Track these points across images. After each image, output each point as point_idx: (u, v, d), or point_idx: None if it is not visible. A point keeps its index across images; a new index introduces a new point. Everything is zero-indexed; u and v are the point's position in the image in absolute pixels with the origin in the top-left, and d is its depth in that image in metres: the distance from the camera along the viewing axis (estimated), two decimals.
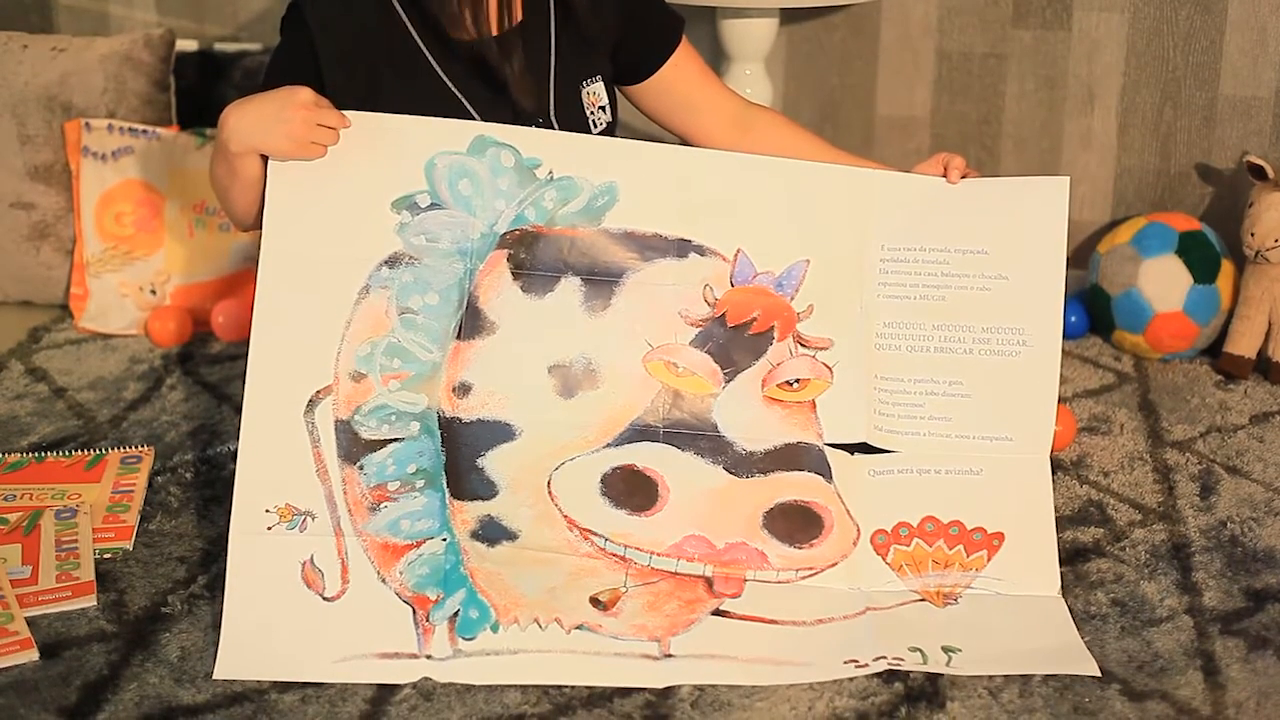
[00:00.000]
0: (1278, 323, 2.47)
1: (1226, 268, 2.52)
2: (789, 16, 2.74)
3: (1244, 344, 2.47)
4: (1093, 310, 2.61)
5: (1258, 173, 2.47)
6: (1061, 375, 2.15)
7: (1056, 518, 1.98)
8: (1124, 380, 2.47)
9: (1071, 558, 1.92)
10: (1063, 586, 1.84)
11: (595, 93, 1.94)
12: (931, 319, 1.85)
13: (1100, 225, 2.71)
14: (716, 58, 2.61)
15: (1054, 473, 2.10)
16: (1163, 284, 2.49)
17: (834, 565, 1.81)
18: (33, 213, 2.70)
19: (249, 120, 1.72)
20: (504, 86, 1.86)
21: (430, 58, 1.85)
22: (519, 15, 1.89)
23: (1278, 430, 2.28)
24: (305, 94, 1.71)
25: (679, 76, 2.00)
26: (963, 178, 1.87)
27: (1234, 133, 2.62)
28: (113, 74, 2.68)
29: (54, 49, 2.71)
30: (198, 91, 2.82)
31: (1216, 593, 1.84)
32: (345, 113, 1.75)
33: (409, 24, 1.85)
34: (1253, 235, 2.47)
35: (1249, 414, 2.34)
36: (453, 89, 1.85)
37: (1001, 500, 1.85)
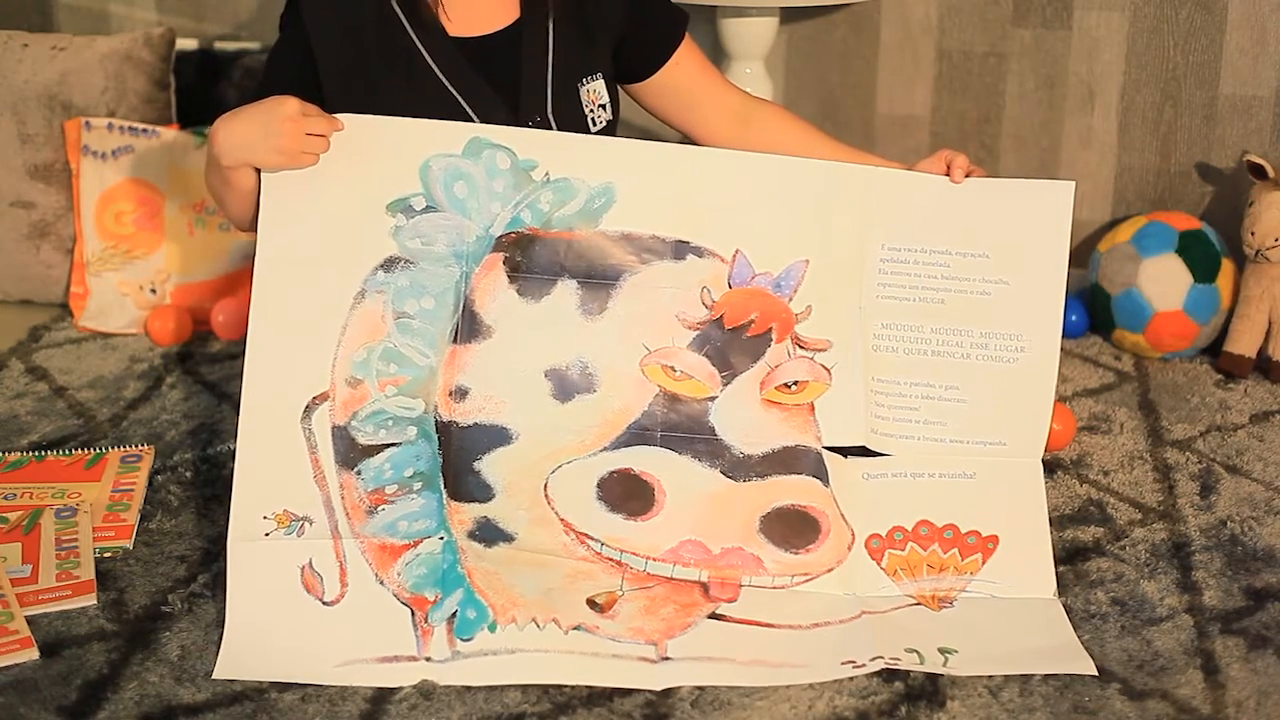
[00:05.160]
0: (1278, 322, 2.47)
1: (1227, 267, 2.52)
2: (789, 15, 2.74)
3: (1244, 343, 2.47)
4: (1093, 309, 2.61)
5: (1258, 172, 2.47)
6: (1061, 374, 2.16)
7: (1056, 517, 1.98)
8: (1124, 379, 2.47)
9: (1071, 557, 1.92)
10: (1063, 585, 1.84)
11: (595, 90, 1.93)
12: (930, 322, 1.85)
13: (1100, 224, 2.71)
14: (717, 56, 2.61)
15: (1054, 472, 2.11)
16: (1163, 283, 2.49)
17: (829, 571, 1.80)
18: (33, 212, 2.70)
19: (237, 136, 1.71)
20: (501, 84, 1.86)
21: (427, 56, 1.85)
22: (517, 13, 1.89)
23: (1278, 429, 2.28)
24: (292, 105, 1.70)
25: (682, 73, 1.99)
26: (966, 176, 1.86)
27: (1234, 132, 2.62)
28: (113, 73, 2.68)
29: (54, 48, 2.71)
30: (198, 90, 2.82)
31: (1216, 592, 1.84)
32: (338, 116, 1.74)
33: (405, 22, 1.85)
34: (1253, 234, 2.47)
35: (1249, 413, 2.34)
36: (449, 87, 1.85)
37: (996, 503, 1.85)
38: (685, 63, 1.99)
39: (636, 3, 1.95)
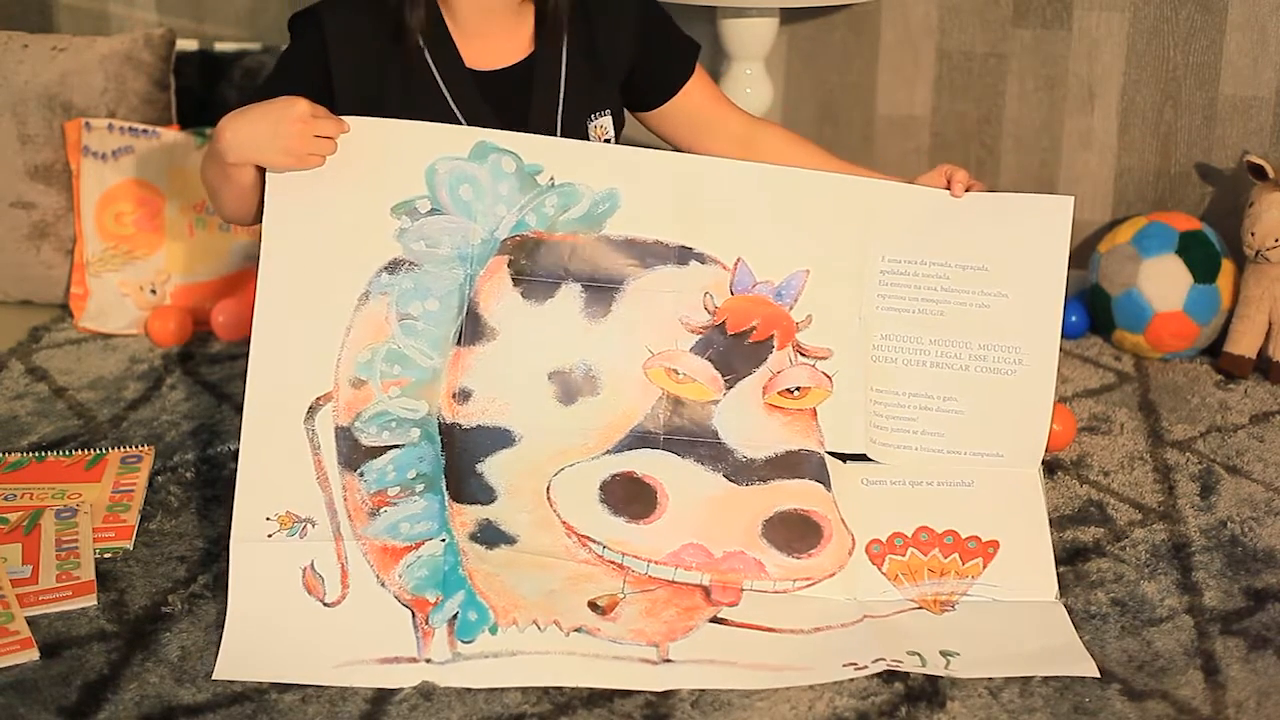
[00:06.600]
0: (1278, 322, 2.47)
1: (1227, 267, 2.52)
2: (789, 16, 2.74)
3: (1244, 343, 2.47)
4: (1093, 310, 2.61)
5: (1258, 172, 2.47)
6: (1061, 374, 2.16)
7: (1056, 517, 1.99)
8: (1124, 380, 2.47)
9: (1071, 557, 1.92)
10: (1063, 586, 1.84)
11: (602, 126, 1.94)
12: (929, 333, 1.85)
13: (1100, 225, 2.71)
14: (717, 57, 2.61)
15: (1054, 472, 2.11)
16: (1163, 283, 2.49)
17: (831, 575, 1.80)
18: (33, 212, 2.70)
19: (245, 134, 1.71)
20: (511, 119, 1.86)
21: (441, 83, 1.85)
22: (530, 47, 1.89)
23: (1278, 430, 2.28)
24: (301, 106, 1.70)
25: (690, 102, 2.01)
26: (966, 190, 1.86)
27: (1234, 132, 2.62)
28: (113, 73, 2.68)
29: (54, 48, 2.70)
30: (198, 91, 2.82)
31: (1216, 592, 1.84)
32: (346, 118, 1.74)
33: (425, 48, 1.85)
34: (1253, 235, 2.47)
35: (1249, 414, 2.34)
36: (459, 116, 1.85)
37: (995, 510, 1.85)
38: (695, 93, 2.01)
39: (647, 36, 1.96)
